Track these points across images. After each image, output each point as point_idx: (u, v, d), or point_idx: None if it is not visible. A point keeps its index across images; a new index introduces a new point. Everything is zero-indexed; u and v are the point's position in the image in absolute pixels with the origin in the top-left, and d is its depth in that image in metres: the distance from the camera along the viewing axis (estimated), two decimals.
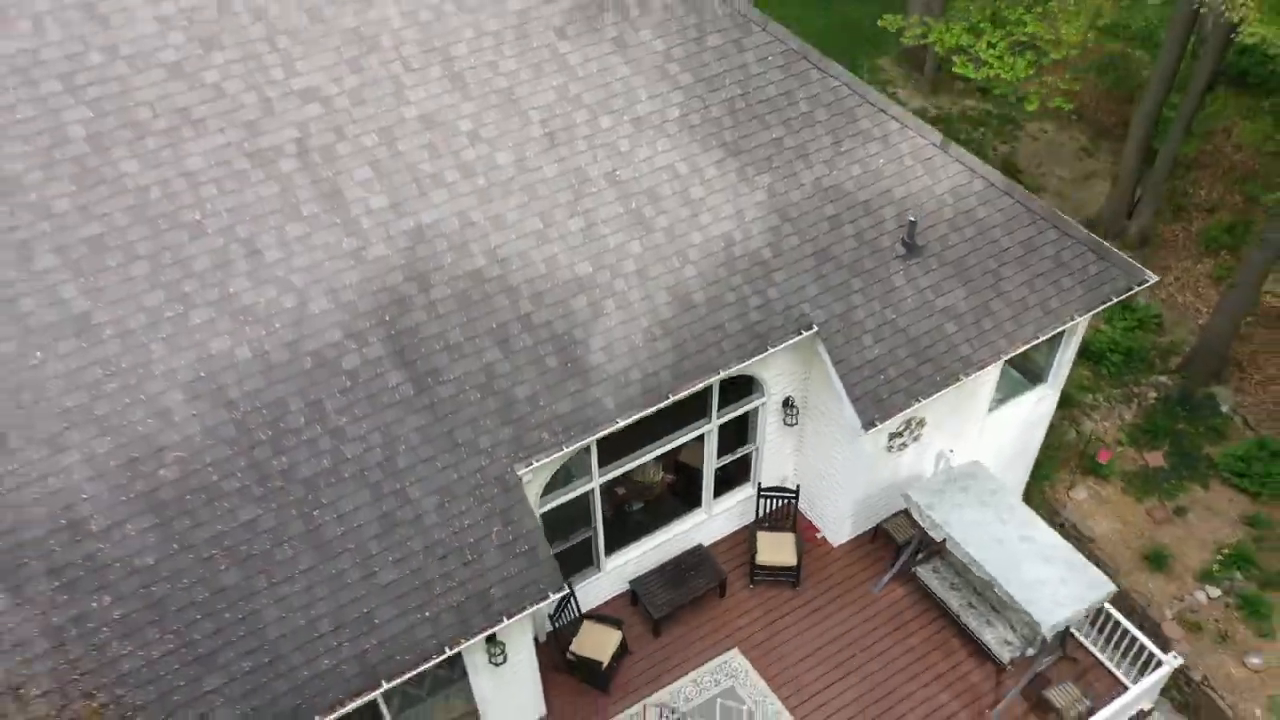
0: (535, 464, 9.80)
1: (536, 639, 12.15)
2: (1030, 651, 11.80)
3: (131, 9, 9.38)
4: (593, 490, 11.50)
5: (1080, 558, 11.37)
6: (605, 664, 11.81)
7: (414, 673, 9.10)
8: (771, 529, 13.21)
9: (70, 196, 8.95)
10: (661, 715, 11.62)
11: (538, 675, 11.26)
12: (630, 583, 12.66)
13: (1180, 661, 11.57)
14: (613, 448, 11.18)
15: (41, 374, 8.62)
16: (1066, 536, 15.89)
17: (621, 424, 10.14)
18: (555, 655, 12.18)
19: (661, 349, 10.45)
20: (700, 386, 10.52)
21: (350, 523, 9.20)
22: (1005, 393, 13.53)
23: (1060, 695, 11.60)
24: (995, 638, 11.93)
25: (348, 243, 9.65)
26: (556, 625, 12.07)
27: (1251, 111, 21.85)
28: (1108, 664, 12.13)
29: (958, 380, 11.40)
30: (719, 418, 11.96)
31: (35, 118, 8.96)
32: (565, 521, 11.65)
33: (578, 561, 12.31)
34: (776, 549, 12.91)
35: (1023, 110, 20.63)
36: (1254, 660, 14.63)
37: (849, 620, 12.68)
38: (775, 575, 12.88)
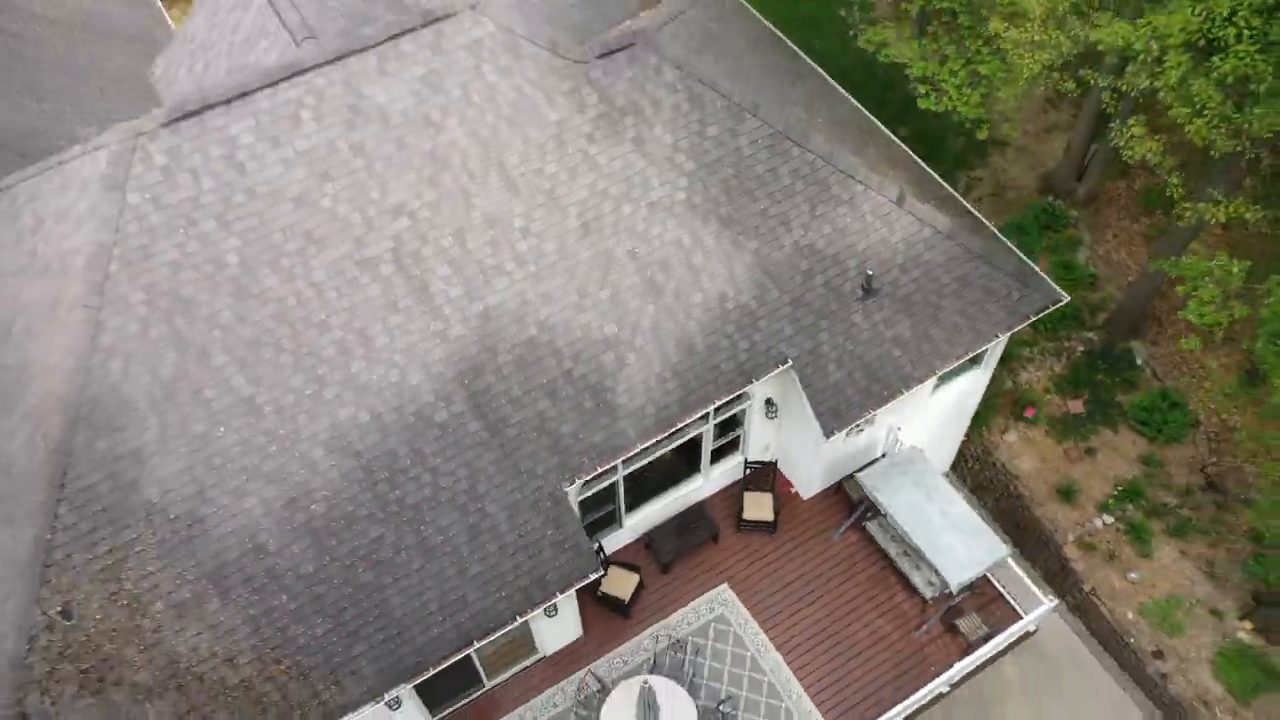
0: (577, 482, 13.26)
1: None
2: (947, 590, 15.66)
3: (261, 155, 12.09)
4: (618, 479, 15.01)
5: (985, 526, 15.06)
6: (627, 600, 15.69)
7: (494, 635, 12.87)
8: (755, 489, 16.82)
9: (231, 309, 11.99)
10: (585, 682, 15.06)
11: (578, 613, 15.15)
12: (645, 535, 16.41)
13: (1056, 603, 15.43)
14: None
15: (225, 443, 11.94)
16: (997, 473, 19.55)
17: (640, 448, 13.52)
18: (589, 591, 16.04)
19: (670, 388, 13.69)
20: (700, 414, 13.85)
21: (446, 533, 12.74)
22: (945, 378, 16.78)
23: (966, 623, 15.55)
24: (921, 580, 15.75)
25: (434, 326, 12.73)
26: None
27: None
28: (1008, 598, 16.03)
29: (900, 394, 14.67)
30: (715, 417, 15.32)
31: (200, 250, 11.88)
32: (599, 499, 15.23)
33: (605, 521, 15.98)
34: (758, 507, 16.57)
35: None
36: (1132, 575, 18.61)
37: (813, 561, 16.48)
38: (757, 527, 16.59)
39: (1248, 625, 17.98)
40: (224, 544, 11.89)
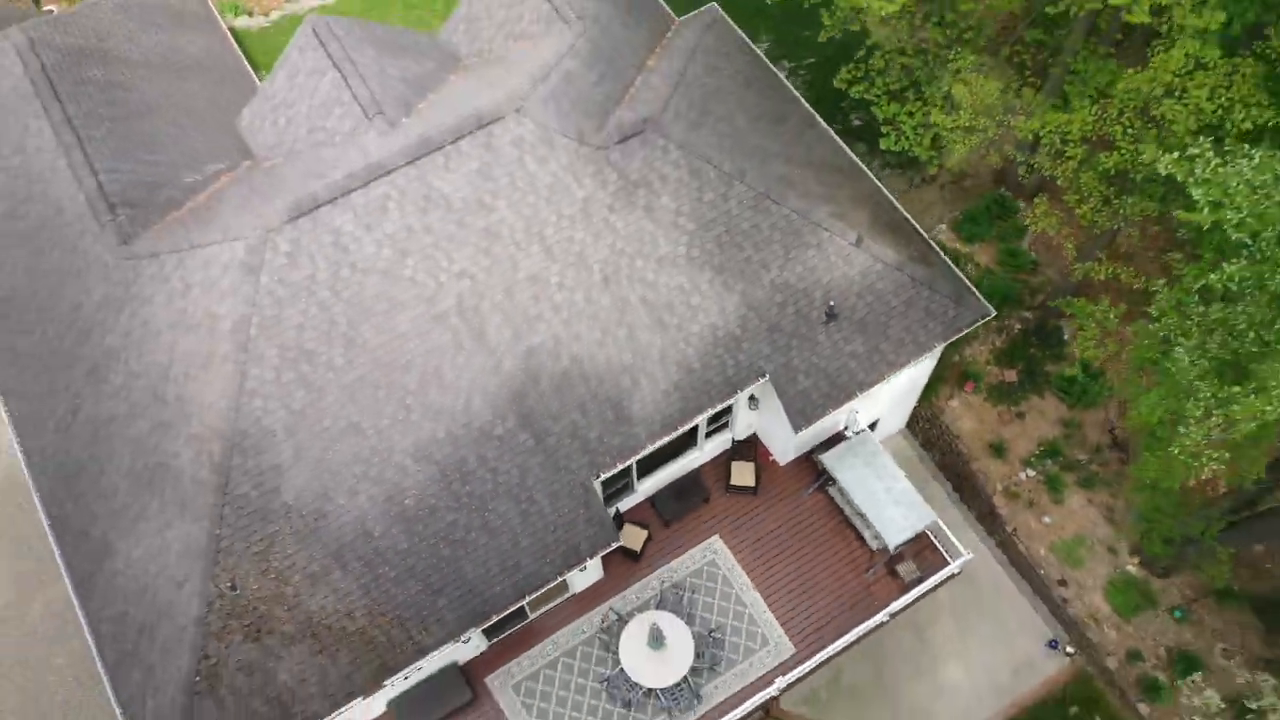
0: (603, 476, 17.28)
1: None
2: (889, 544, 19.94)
3: (360, 239, 15.64)
4: (633, 463, 19.04)
5: (919, 499, 19.20)
6: (638, 550, 19.97)
7: (541, 590, 17.10)
8: (740, 459, 20.89)
9: (341, 356, 15.76)
10: (606, 614, 19.56)
11: (600, 563, 19.44)
12: (651, 498, 20.57)
13: (971, 556, 19.72)
14: None
15: (339, 458, 15.89)
16: (942, 432, 23.59)
17: (650, 448, 17.48)
18: None
19: (673, 400, 17.55)
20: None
21: (504, 517, 16.82)
22: None
23: (904, 568, 19.88)
24: (870, 535, 19.99)
25: (489, 362, 16.50)
26: None
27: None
28: (939, 547, 20.31)
29: (855, 397, 18.55)
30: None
31: (318, 314, 15.57)
32: (619, 475, 19.30)
33: (623, 490, 20.10)
34: (743, 475, 20.68)
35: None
36: (1047, 519, 22.89)
37: (787, 517, 20.68)
38: (742, 491, 20.73)
39: (1135, 560, 22.37)
40: (342, 531, 16.00)
